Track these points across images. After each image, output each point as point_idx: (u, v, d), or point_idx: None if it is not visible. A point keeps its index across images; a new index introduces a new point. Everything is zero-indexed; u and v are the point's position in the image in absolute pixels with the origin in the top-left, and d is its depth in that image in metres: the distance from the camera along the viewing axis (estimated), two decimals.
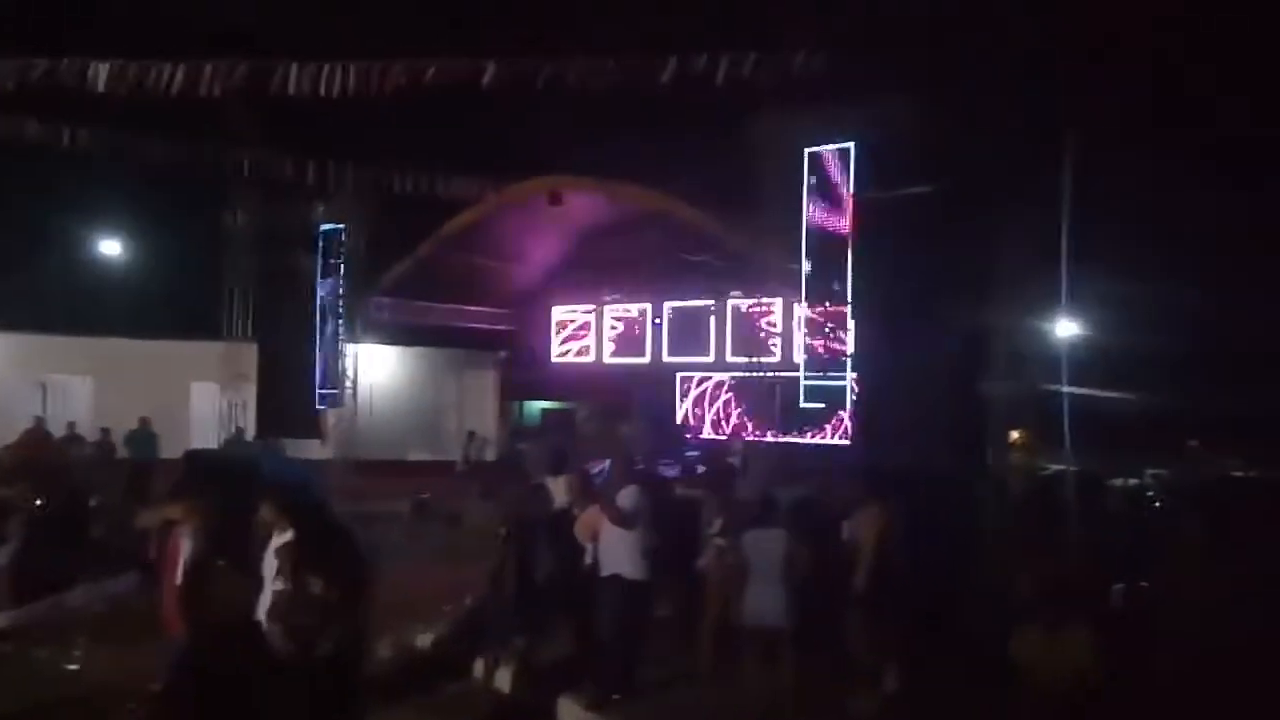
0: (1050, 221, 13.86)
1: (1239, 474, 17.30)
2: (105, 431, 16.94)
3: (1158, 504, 12.81)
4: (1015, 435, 14.76)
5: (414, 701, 7.44)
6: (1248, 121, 15.08)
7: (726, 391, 20.52)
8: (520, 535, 8.12)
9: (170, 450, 15.88)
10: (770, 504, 7.60)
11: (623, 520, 6.99)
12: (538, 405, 25.04)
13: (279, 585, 5.48)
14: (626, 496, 7.05)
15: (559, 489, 8.63)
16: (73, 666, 7.94)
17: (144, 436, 16.70)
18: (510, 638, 7.97)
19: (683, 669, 7.68)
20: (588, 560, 7.51)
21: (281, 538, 5.59)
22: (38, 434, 15.50)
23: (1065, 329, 18.30)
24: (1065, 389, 16.13)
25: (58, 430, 16.05)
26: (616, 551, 7.06)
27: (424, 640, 8.67)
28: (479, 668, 8.02)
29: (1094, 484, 9.15)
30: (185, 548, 5.76)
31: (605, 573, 7.07)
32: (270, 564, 5.58)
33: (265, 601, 5.53)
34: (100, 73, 12.05)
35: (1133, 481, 14.19)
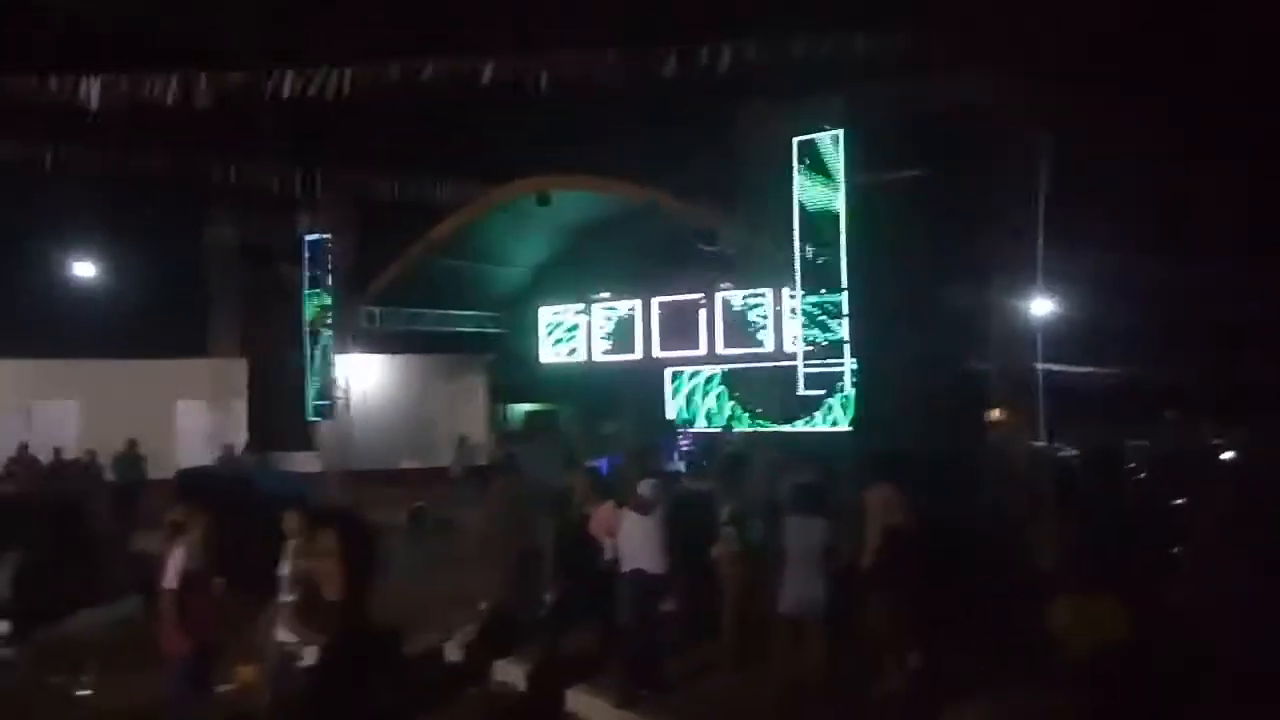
0: (1033, 201, 13.96)
1: (1218, 442, 17.45)
2: (92, 454, 16.70)
3: (1141, 475, 12.92)
4: (996, 413, 14.86)
5: (437, 708, 7.35)
6: (1214, 92, 15.22)
7: (719, 384, 20.50)
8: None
9: (159, 470, 15.69)
10: (809, 491, 7.53)
11: (642, 505, 6.94)
12: (523, 408, 24.94)
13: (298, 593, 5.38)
14: (645, 486, 7.00)
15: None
16: (81, 693, 7.81)
17: (130, 459, 16.49)
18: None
19: (708, 660, 7.65)
20: (607, 557, 7.46)
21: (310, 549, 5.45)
22: (25, 460, 15.28)
23: (1044, 306, 18.49)
24: (1045, 365, 16.29)
25: (45, 456, 15.80)
26: (636, 546, 7.00)
27: (444, 646, 8.58)
28: (500, 671, 7.94)
29: (1109, 457, 9.14)
30: (177, 558, 5.67)
31: (626, 568, 7.01)
32: (290, 574, 5.47)
33: (285, 610, 5.43)
34: (82, 88, 11.85)
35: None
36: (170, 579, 5.65)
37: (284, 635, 5.46)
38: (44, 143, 15.70)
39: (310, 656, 5.26)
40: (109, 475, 16.39)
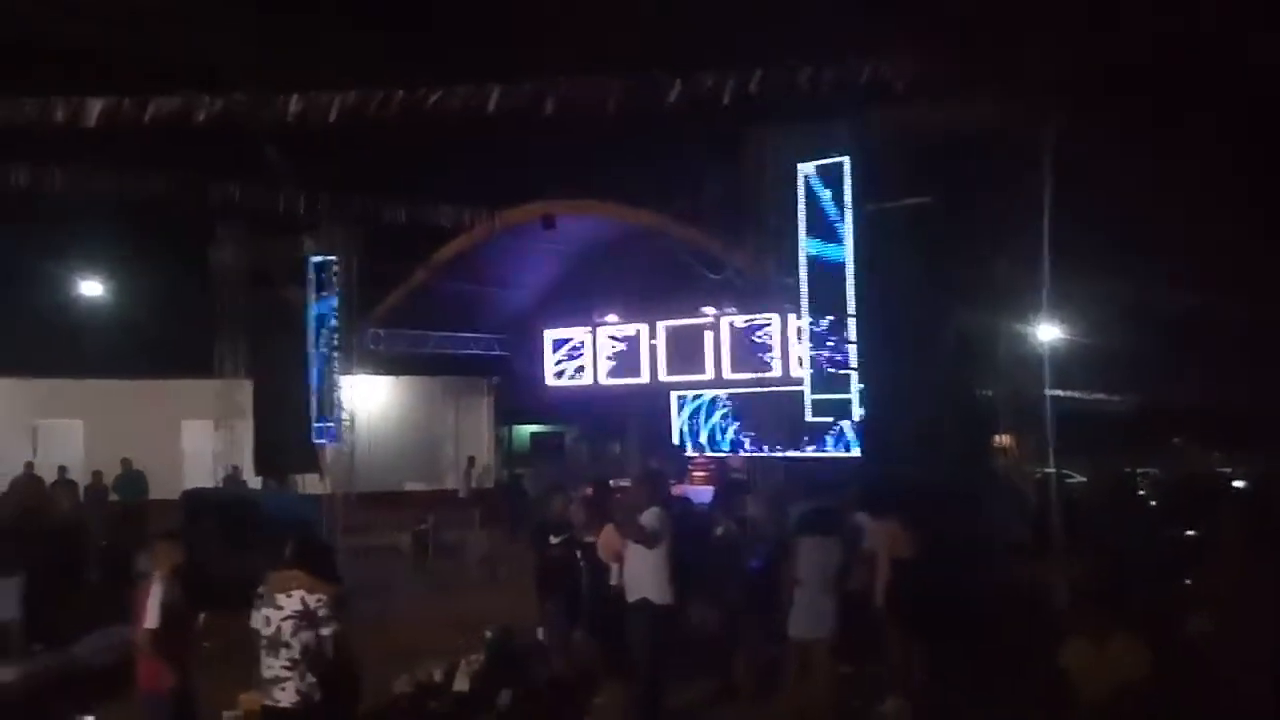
0: (1039, 227, 13.91)
1: (1227, 470, 17.38)
2: (97, 475, 16.68)
3: (1152, 502, 12.86)
4: (1003, 440, 14.80)
5: None
6: (1226, 115, 15.22)
7: (724, 408, 20.47)
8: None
9: (165, 490, 15.65)
10: (822, 513, 7.53)
11: (646, 539, 6.86)
12: (527, 430, 24.93)
13: (326, 630, 5.28)
14: (650, 516, 6.92)
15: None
16: (88, 718, 7.75)
17: (131, 477, 16.47)
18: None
19: (718, 689, 7.61)
20: (612, 581, 7.41)
21: (314, 589, 5.37)
22: (29, 481, 15.24)
23: (1051, 332, 18.48)
24: (1052, 391, 16.21)
25: (49, 476, 15.77)
26: (642, 575, 6.92)
27: (444, 674, 8.49)
28: (504, 698, 7.87)
29: (1123, 486, 9.11)
30: (155, 594, 5.57)
31: (632, 598, 6.94)
32: (296, 613, 5.35)
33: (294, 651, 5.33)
34: (87, 110, 11.88)
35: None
36: (150, 618, 5.54)
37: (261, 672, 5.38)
38: (50, 164, 15.75)
39: (282, 696, 5.24)
40: (113, 495, 16.38)
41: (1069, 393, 18.24)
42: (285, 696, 5.26)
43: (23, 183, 15.59)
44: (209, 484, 17.51)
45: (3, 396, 20.61)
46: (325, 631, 5.27)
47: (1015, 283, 14.06)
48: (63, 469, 16.19)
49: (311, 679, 5.23)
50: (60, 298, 22.87)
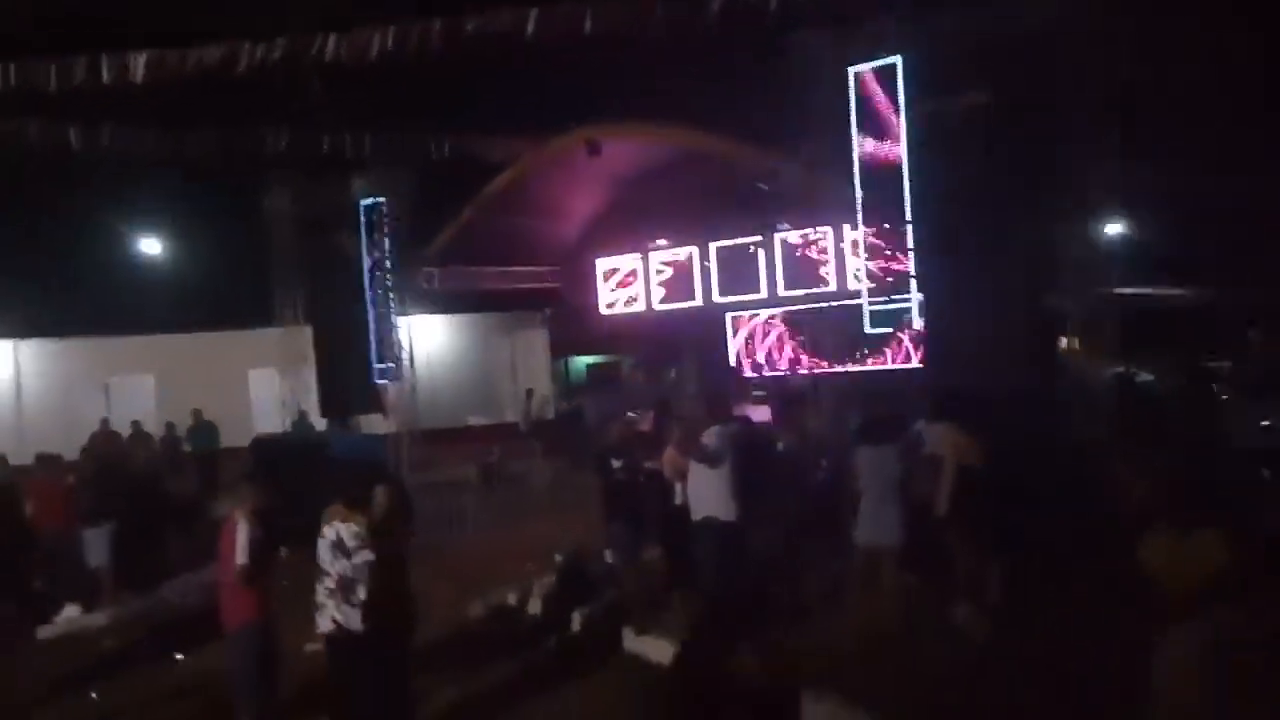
0: (1104, 121, 13.31)
1: None
2: (170, 427, 17.17)
3: (1224, 397, 12.47)
4: (1069, 341, 14.42)
5: (512, 658, 7.43)
6: None
7: (781, 326, 20.25)
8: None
9: (235, 438, 16.05)
10: (879, 421, 7.47)
11: (708, 458, 6.83)
12: (584, 360, 24.99)
13: (358, 559, 5.42)
14: (712, 435, 6.88)
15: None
16: (177, 656, 8.05)
17: (203, 428, 16.88)
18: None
19: (784, 603, 7.60)
20: (676, 501, 7.42)
21: (346, 519, 5.52)
22: (107, 436, 15.72)
23: (1118, 229, 17.83)
24: (1119, 289, 15.71)
25: (124, 431, 16.24)
26: (706, 493, 6.90)
27: (519, 598, 8.65)
28: (577, 621, 7.98)
29: (1196, 380, 8.79)
30: (243, 531, 5.74)
31: (697, 516, 6.93)
32: (332, 543, 5.49)
33: (331, 580, 5.48)
34: (135, 64, 11.92)
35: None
36: (240, 554, 5.72)
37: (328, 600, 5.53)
38: (99, 123, 15.91)
39: (351, 622, 5.38)
40: (186, 446, 16.85)
41: (1137, 290, 17.70)
42: (323, 623, 5.51)
43: (77, 145, 15.84)
44: (277, 430, 17.91)
45: (76, 356, 21.27)
46: (357, 560, 5.42)
47: (1080, 179, 13.54)
48: (136, 423, 16.66)
49: (349, 606, 5.38)
50: (122, 257, 23.39)
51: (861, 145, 12.55)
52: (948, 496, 7.17)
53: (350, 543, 5.41)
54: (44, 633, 9.14)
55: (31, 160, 16.70)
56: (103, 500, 10.10)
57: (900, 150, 12.32)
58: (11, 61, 12.24)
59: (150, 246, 24.60)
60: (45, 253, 21.92)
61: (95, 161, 17.40)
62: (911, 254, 12.11)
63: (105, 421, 16.60)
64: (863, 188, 12.55)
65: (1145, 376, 15.25)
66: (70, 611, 9.43)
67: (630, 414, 10.99)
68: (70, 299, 21.38)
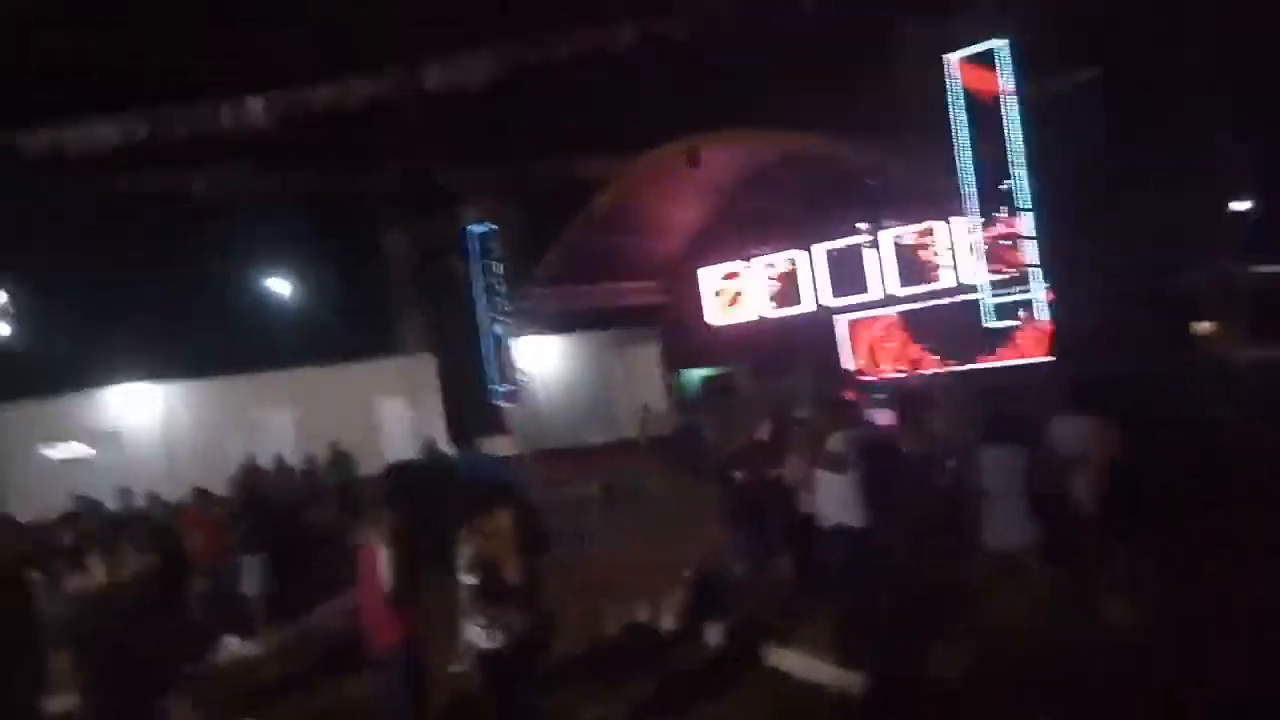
0: (1224, 93, 12.62)
1: None
2: (311, 459, 17.92)
3: None
4: (1204, 326, 13.67)
5: (648, 674, 7.47)
6: None
7: (896, 326, 19.84)
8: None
9: (370, 467, 16.62)
10: (1000, 421, 7.28)
11: (834, 464, 6.78)
12: (698, 374, 24.96)
13: (467, 580, 5.56)
14: (836, 441, 6.82)
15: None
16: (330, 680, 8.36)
17: (341, 459, 17.54)
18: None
19: (915, 607, 7.44)
20: (802, 509, 7.37)
21: (473, 533, 5.67)
22: (253, 470, 16.52)
23: (1246, 204, 16.68)
24: (1254, 268, 14.74)
25: (267, 465, 17.01)
26: (833, 500, 6.85)
27: (650, 614, 8.70)
28: (712, 634, 7.99)
29: None
30: (383, 558, 5.92)
31: (826, 524, 6.87)
32: (465, 559, 5.63)
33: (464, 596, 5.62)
34: (253, 109, 12.56)
35: None
36: (383, 579, 5.90)
37: (467, 620, 5.68)
38: (224, 169, 16.78)
39: (492, 641, 5.51)
40: (326, 477, 17.55)
41: (1272, 267, 16.54)
42: (464, 643, 5.67)
43: (204, 190, 16.81)
44: (408, 456, 18.47)
45: (218, 395, 22.42)
46: (466, 582, 5.58)
47: (1202, 153, 12.87)
48: (279, 456, 17.46)
49: (482, 620, 5.50)
50: (253, 298, 24.58)
51: (967, 134, 12.25)
52: (1101, 494, 6.90)
53: (465, 565, 5.58)
54: (208, 665, 9.48)
55: (161, 207, 17.71)
56: (253, 532, 10.62)
57: (1008, 136, 11.98)
58: (135, 112, 13.03)
59: (279, 286, 25.84)
60: (182, 298, 23.21)
61: (221, 206, 18.36)
62: (1032, 243, 11.75)
63: (253, 456, 17.45)
64: (975, 176, 12.25)
65: None
66: (230, 643, 9.85)
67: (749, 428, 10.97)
68: (209, 340, 22.57)
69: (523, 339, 19.01)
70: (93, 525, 10.18)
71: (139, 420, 21.29)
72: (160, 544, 9.97)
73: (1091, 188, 11.30)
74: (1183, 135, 12.33)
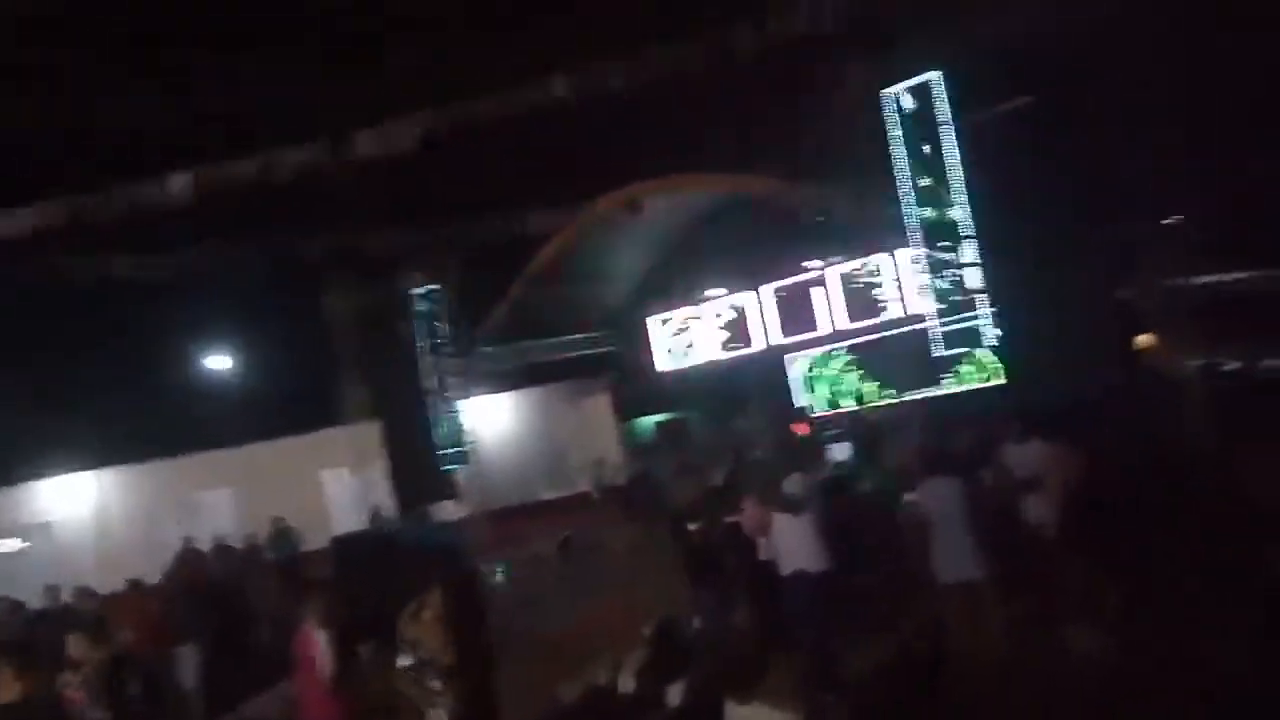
0: (1152, 112, 12.82)
1: None
2: (250, 538, 17.23)
3: None
4: (1143, 339, 13.80)
5: None
6: None
7: (845, 361, 19.79)
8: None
9: (315, 541, 16.04)
10: (938, 454, 7.06)
11: (790, 506, 6.50)
12: (650, 420, 24.70)
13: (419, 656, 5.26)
14: (792, 483, 6.55)
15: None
16: None
17: (283, 534, 16.93)
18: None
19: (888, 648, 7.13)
20: (761, 557, 7.07)
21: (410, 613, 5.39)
22: (190, 554, 15.82)
23: (1179, 218, 17.06)
24: (1192, 279, 14.97)
25: (206, 546, 16.33)
26: (793, 545, 6.57)
27: (609, 676, 8.29)
28: (674, 693, 7.59)
29: None
30: (320, 643, 5.60)
31: (787, 570, 6.57)
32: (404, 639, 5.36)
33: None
34: (175, 186, 12.23)
35: None
36: (320, 667, 5.55)
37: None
38: (151, 247, 16.33)
39: None
40: (268, 554, 16.88)
41: (1212, 278, 16.87)
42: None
43: (130, 271, 16.29)
44: (355, 528, 17.89)
45: (155, 479, 21.62)
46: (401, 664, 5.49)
47: (1137, 172, 13.02)
48: (219, 537, 16.77)
49: (423, 700, 5.22)
50: (190, 375, 23.91)
51: (907, 166, 12.27)
52: (1060, 518, 6.70)
53: (403, 645, 5.33)
54: None
55: (89, 291, 17.15)
56: (189, 621, 10.08)
57: (947, 165, 12.02)
58: (55, 198, 12.64)
59: (217, 362, 25.16)
60: (115, 382, 22.47)
61: (151, 285, 17.84)
62: (975, 269, 11.73)
63: (189, 539, 16.74)
64: (915, 208, 12.24)
65: (1233, 366, 14.52)
66: None
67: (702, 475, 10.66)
68: (145, 424, 21.82)
69: (471, 398, 18.62)
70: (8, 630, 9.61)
71: (72, 510, 20.51)
72: (91, 642, 9.40)
73: (1032, 211, 11.35)
74: (1113, 157, 12.47)
